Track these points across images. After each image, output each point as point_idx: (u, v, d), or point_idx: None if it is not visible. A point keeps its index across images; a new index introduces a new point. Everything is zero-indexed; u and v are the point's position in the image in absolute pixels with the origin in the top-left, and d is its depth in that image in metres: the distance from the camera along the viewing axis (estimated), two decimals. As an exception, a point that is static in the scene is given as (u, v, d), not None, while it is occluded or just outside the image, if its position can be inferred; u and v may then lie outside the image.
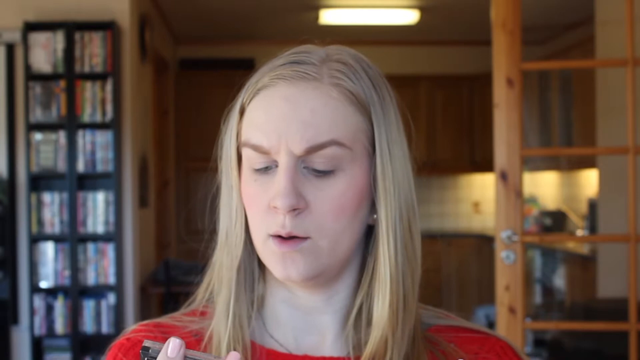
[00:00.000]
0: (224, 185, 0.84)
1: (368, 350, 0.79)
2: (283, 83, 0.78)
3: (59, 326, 4.18)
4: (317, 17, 5.96)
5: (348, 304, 0.83)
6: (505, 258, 2.71)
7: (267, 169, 0.78)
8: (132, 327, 0.86)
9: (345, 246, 0.79)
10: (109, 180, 4.24)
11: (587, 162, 5.39)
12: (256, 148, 0.78)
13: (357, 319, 0.82)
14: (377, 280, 0.81)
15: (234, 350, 0.80)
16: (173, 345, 0.67)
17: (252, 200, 0.79)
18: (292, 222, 0.76)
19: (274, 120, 0.77)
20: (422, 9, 5.85)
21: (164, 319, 0.87)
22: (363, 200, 0.79)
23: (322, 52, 0.81)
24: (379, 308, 0.80)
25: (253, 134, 0.78)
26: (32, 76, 4.17)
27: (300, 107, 0.76)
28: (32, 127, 4.16)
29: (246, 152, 0.79)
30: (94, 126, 4.21)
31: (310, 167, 0.77)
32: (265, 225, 0.78)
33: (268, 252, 0.78)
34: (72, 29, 4.18)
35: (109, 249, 4.21)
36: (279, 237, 0.77)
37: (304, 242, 0.77)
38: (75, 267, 4.16)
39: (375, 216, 0.81)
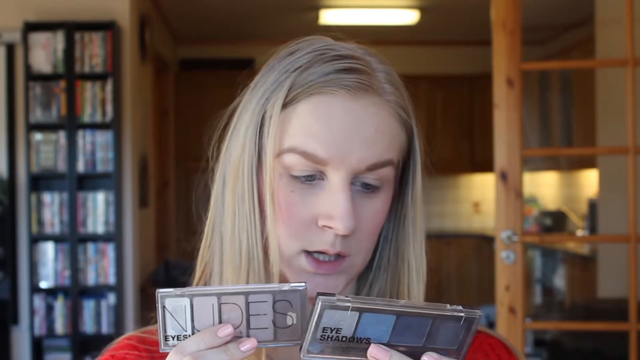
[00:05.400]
0: (233, 185, 0.76)
1: None
2: (344, 93, 0.73)
3: (59, 326, 4.17)
4: (317, 17, 5.96)
5: None
6: (505, 258, 2.71)
7: (309, 178, 0.73)
8: (116, 340, 0.82)
9: (368, 260, 0.79)
10: (109, 181, 4.24)
11: (587, 162, 5.38)
12: (307, 156, 0.72)
13: None
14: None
15: None
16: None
17: (286, 211, 0.73)
18: (342, 242, 0.73)
19: (336, 133, 0.72)
20: (422, 9, 5.85)
21: (147, 334, 0.82)
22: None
23: (367, 55, 0.77)
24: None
25: (306, 141, 0.72)
26: (32, 76, 4.16)
27: (365, 124, 0.73)
28: (32, 127, 4.16)
29: (288, 158, 0.73)
30: (94, 126, 4.21)
31: (360, 181, 0.74)
32: (302, 241, 0.73)
33: (296, 268, 0.74)
34: (72, 29, 4.18)
35: (109, 249, 4.21)
36: (313, 256, 0.74)
37: (343, 263, 0.74)
38: (75, 267, 4.16)
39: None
